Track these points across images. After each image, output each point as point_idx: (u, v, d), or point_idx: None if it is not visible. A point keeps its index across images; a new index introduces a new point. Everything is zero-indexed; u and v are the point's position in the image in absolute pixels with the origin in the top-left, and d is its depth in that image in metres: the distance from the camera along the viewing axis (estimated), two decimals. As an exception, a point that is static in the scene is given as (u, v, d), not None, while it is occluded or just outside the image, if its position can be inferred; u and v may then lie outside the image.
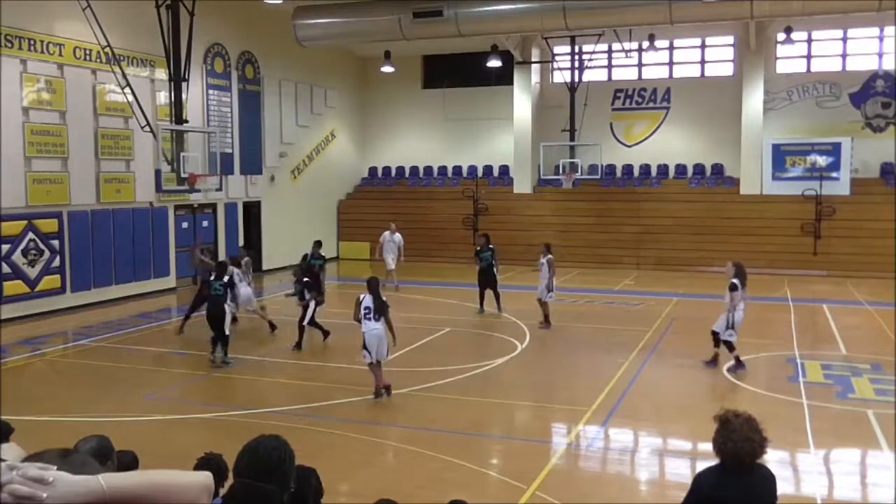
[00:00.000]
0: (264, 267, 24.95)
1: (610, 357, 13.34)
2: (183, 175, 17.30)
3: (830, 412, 10.41)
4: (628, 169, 28.33)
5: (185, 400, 11.16)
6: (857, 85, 25.67)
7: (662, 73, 28.04)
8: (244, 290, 15.11)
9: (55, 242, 17.57)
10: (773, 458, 7.89)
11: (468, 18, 19.92)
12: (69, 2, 16.30)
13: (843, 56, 26.14)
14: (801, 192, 24.44)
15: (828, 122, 25.75)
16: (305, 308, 13.99)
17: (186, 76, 17.47)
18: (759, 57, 25.75)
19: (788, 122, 26.21)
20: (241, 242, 23.32)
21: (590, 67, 27.19)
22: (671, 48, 27.77)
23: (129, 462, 4.53)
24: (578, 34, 24.38)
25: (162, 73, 18.82)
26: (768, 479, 4.06)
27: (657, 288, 20.98)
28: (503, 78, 28.00)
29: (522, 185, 28.16)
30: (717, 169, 27.37)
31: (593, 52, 26.37)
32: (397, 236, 21.60)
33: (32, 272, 17.06)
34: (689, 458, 8.95)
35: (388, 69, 27.24)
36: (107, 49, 16.78)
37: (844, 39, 26.06)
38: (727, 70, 27.26)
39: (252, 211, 24.58)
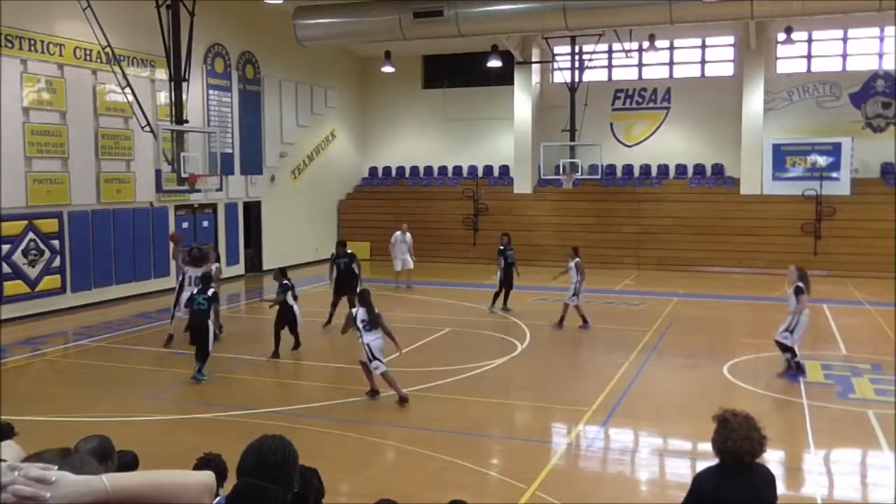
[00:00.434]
0: (265, 267, 24.93)
1: (610, 357, 13.35)
2: (183, 175, 17.29)
3: (831, 412, 10.41)
4: (628, 169, 28.33)
5: (185, 400, 11.16)
6: (858, 85, 25.67)
7: (663, 73, 28.04)
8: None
9: (55, 242, 17.57)
10: (773, 458, 7.90)
11: (468, 18, 19.91)
12: (69, 2, 16.30)
13: (844, 56, 26.14)
14: (801, 193, 24.43)
15: (828, 122, 25.75)
16: (281, 312, 13.22)
17: (187, 76, 17.47)
18: (760, 57, 25.75)
19: (789, 122, 26.21)
20: (240, 242, 23.34)
21: (590, 67, 27.19)
22: (671, 48, 27.77)
23: (129, 462, 4.54)
24: (579, 34, 24.37)
25: (162, 73, 18.82)
26: (768, 479, 4.06)
27: (657, 288, 20.99)
28: (503, 78, 28.00)
29: (523, 185, 28.17)
30: (718, 169, 27.37)
31: (593, 52, 26.36)
32: (408, 236, 21.42)
33: (33, 272, 17.06)
34: (689, 458, 8.96)
35: (388, 69, 27.24)
36: (107, 49, 16.78)
37: (845, 39, 26.06)
38: (727, 70, 27.26)
39: (252, 211, 24.58)
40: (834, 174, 24.83)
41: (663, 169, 28.02)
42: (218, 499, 4.11)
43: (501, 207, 27.60)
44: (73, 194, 17.95)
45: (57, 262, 17.62)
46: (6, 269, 16.45)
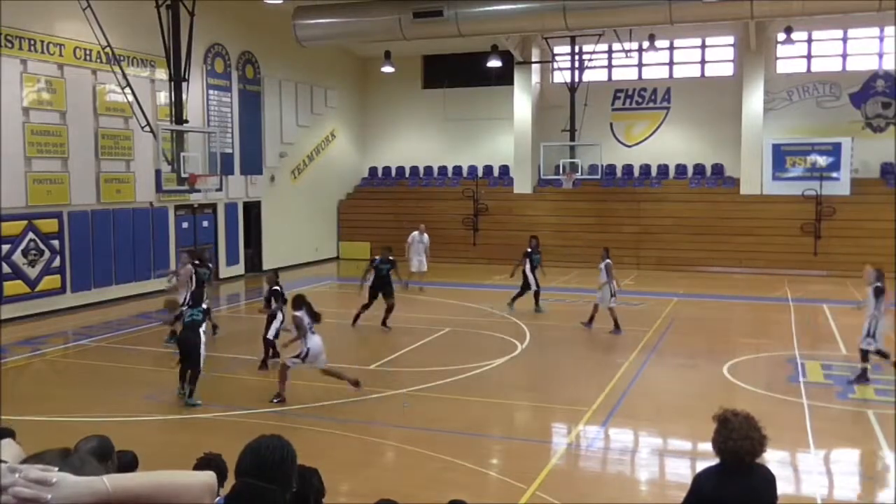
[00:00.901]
0: (265, 267, 24.92)
1: (610, 357, 13.35)
2: (183, 175, 17.29)
3: (831, 412, 10.42)
4: (628, 169, 28.33)
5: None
6: (858, 85, 25.67)
7: (662, 73, 28.04)
8: None
9: (55, 242, 17.57)
10: (773, 458, 7.89)
11: (468, 18, 19.91)
12: (69, 2, 16.29)
13: (844, 56, 26.14)
14: (801, 192, 24.43)
15: (828, 122, 25.74)
16: (271, 319, 12.63)
17: (186, 76, 17.46)
18: (760, 57, 25.75)
19: (788, 122, 26.21)
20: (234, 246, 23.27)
21: (590, 67, 27.18)
22: (671, 48, 27.77)
23: (128, 462, 4.53)
24: (579, 34, 24.37)
25: (162, 73, 18.82)
26: (768, 480, 4.05)
27: (657, 288, 20.98)
28: (503, 78, 28.00)
29: (522, 185, 28.16)
30: (718, 169, 27.37)
31: (593, 52, 26.36)
32: (426, 237, 21.15)
33: (33, 272, 17.06)
34: (689, 458, 8.96)
35: (388, 69, 27.23)
36: (107, 49, 16.78)
37: (845, 39, 26.06)
38: (727, 70, 27.26)
39: (252, 211, 24.58)
40: (834, 174, 24.83)
41: (663, 169, 28.02)
42: (217, 499, 4.12)
43: (501, 207, 27.60)
44: (73, 194, 17.95)
45: (57, 262, 17.62)
46: (6, 269, 16.45)
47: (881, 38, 25.55)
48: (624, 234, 25.84)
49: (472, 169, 29.72)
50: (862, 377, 11.45)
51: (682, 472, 8.23)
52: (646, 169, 28.20)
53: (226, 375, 12.27)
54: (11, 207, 16.53)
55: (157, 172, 19.57)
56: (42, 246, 17.24)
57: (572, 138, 25.95)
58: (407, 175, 30.70)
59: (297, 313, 10.62)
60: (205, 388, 11.30)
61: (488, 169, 29.68)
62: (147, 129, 17.41)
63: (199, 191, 18.91)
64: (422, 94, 30.52)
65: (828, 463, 8.84)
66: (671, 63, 27.99)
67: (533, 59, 27.92)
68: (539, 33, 25.44)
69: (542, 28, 22.05)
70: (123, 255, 19.32)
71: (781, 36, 24.11)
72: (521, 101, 28.02)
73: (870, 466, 8.84)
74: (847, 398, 10.98)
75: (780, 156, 25.65)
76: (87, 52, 18.06)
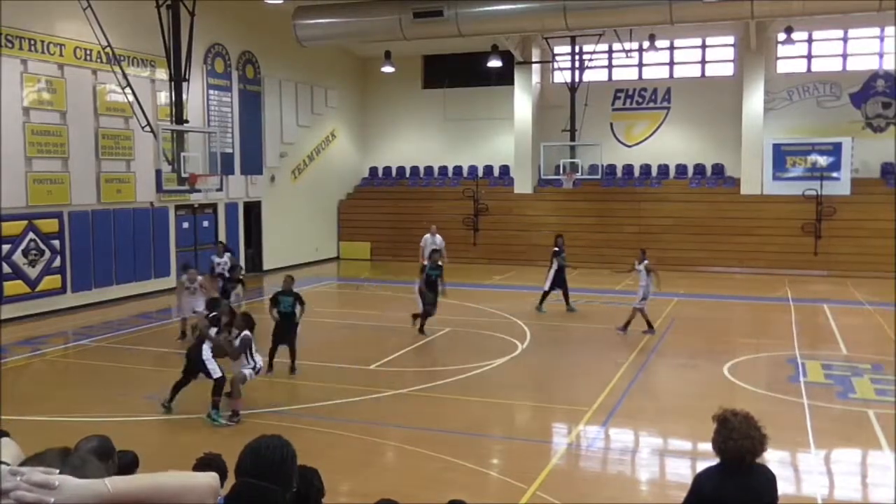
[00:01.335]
0: (265, 267, 24.96)
1: (610, 357, 13.34)
2: (183, 175, 17.29)
3: (831, 412, 10.41)
4: (629, 169, 28.33)
5: (186, 400, 11.14)
6: (858, 85, 25.66)
7: (663, 73, 28.04)
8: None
9: (56, 242, 17.57)
10: (773, 459, 7.89)
11: (468, 18, 19.91)
12: (70, 2, 16.29)
13: (844, 56, 26.14)
14: (801, 192, 24.43)
15: (828, 121, 25.74)
16: (283, 326, 12.37)
17: (187, 76, 17.46)
18: (760, 57, 25.75)
19: (789, 122, 26.20)
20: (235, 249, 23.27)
21: (590, 67, 27.18)
22: (671, 48, 27.77)
23: (129, 462, 4.53)
24: (579, 34, 24.36)
25: (162, 73, 18.82)
26: (769, 479, 4.05)
27: (659, 288, 20.94)
28: (503, 78, 28.00)
29: (523, 185, 28.16)
30: (718, 169, 27.37)
31: (594, 52, 26.36)
32: (438, 238, 20.69)
33: (33, 272, 17.06)
34: (689, 458, 8.95)
35: (388, 69, 27.23)
36: (107, 49, 16.78)
37: (845, 39, 26.06)
38: (728, 70, 27.26)
39: (252, 211, 24.58)
40: (834, 174, 24.82)
41: (663, 169, 28.02)
42: (218, 498, 4.11)
43: (501, 207, 27.60)
44: (74, 194, 17.95)
45: (57, 262, 17.62)
46: (6, 269, 16.45)
47: (881, 38, 25.54)
48: (624, 234, 25.81)
49: (473, 169, 29.71)
50: None
51: (682, 473, 8.22)
52: (646, 169, 28.20)
53: (227, 376, 12.24)
54: (12, 207, 16.53)
55: (158, 172, 19.57)
56: (42, 246, 17.24)
57: (573, 138, 25.95)
58: (407, 175, 30.70)
59: (245, 333, 10.09)
60: (205, 389, 11.29)
61: (488, 169, 29.68)
62: (147, 129, 17.41)
63: (199, 191, 18.91)
64: (422, 94, 30.52)
65: (828, 463, 8.84)
66: (671, 63, 27.98)
67: (533, 59, 27.92)
68: (539, 33, 25.43)
69: (543, 28, 22.04)
70: (124, 256, 19.32)
71: (782, 36, 24.09)
72: (522, 101, 28.02)
73: (870, 466, 8.84)
74: (847, 398, 10.97)
75: (781, 156, 25.64)
76: (88, 52, 18.06)
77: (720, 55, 27.51)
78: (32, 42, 16.90)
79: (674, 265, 24.57)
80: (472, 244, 27.43)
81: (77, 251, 18.08)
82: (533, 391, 11.84)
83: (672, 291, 20.36)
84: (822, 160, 25.08)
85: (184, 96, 17.45)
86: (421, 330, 14.93)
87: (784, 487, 5.93)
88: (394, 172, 30.95)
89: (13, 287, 16.61)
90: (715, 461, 4.07)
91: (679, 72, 27.89)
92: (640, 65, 28.21)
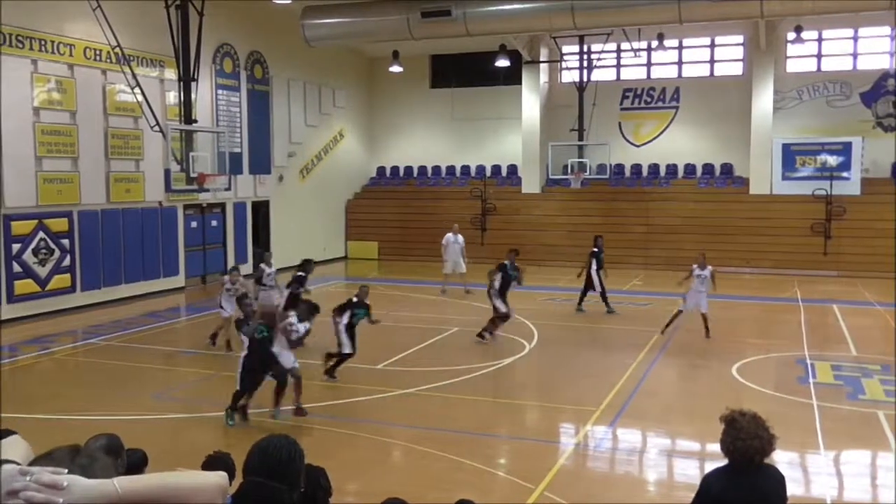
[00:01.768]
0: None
1: (618, 357, 13.31)
2: (192, 175, 17.34)
3: (840, 413, 10.36)
4: (637, 168, 28.27)
5: (194, 399, 11.19)
6: (868, 84, 25.53)
7: (671, 72, 27.97)
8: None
9: (65, 242, 17.65)
10: (782, 459, 7.86)
11: (476, 18, 19.89)
12: (79, 2, 16.35)
13: (854, 55, 26.01)
14: (811, 192, 24.32)
15: (838, 121, 25.62)
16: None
17: (196, 76, 17.52)
18: (769, 56, 25.64)
19: (798, 122, 26.09)
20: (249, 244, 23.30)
21: (598, 67, 27.13)
22: (680, 47, 27.68)
23: (138, 460, 4.55)
24: (587, 33, 24.31)
25: (171, 73, 18.88)
26: (777, 480, 4.03)
27: (666, 288, 20.85)
28: (511, 77, 27.98)
29: (531, 184, 28.14)
30: (727, 169, 27.28)
31: (602, 52, 26.30)
32: (460, 238, 20.72)
33: (43, 271, 17.14)
34: (697, 458, 8.93)
35: (396, 69, 27.26)
36: (116, 49, 16.84)
37: (855, 38, 25.92)
38: (737, 69, 27.16)
39: (261, 210, 24.64)
40: (844, 174, 24.70)
41: (672, 169, 27.94)
42: (226, 498, 4.12)
43: (509, 207, 27.58)
44: (83, 194, 18.03)
45: (67, 262, 17.70)
46: (17, 268, 16.54)
47: (892, 37, 25.40)
48: (632, 234, 25.77)
49: (480, 168, 29.70)
50: None
51: (690, 473, 8.20)
52: (654, 168, 28.13)
53: (234, 375, 12.28)
54: (22, 207, 16.62)
55: (167, 172, 19.66)
56: (52, 245, 17.32)
57: (581, 138, 25.90)
58: (415, 175, 30.71)
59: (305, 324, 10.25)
60: (214, 388, 11.34)
61: (496, 168, 29.66)
62: (156, 128, 17.47)
63: (207, 190, 18.98)
64: (430, 94, 30.52)
65: (837, 464, 8.80)
66: (680, 62, 27.90)
67: (541, 59, 27.88)
68: (547, 33, 25.39)
69: (551, 27, 21.99)
70: (132, 255, 19.40)
71: (791, 35, 24.00)
72: (530, 101, 27.99)
73: (879, 467, 8.79)
74: (857, 399, 10.92)
75: (790, 155, 25.53)
76: (97, 52, 18.14)
77: (729, 54, 27.41)
78: (42, 42, 16.98)
79: (682, 265, 24.40)
80: (479, 244, 27.37)
81: (86, 250, 18.16)
82: (540, 391, 11.83)
83: (681, 292, 20.29)
84: (832, 160, 24.96)
85: (192, 96, 17.51)
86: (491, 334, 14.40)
87: (793, 488, 5.91)
88: (401, 172, 30.96)
89: (23, 286, 16.69)
90: (723, 462, 4.06)
91: (688, 71, 27.80)
92: (649, 64, 28.14)
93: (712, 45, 27.47)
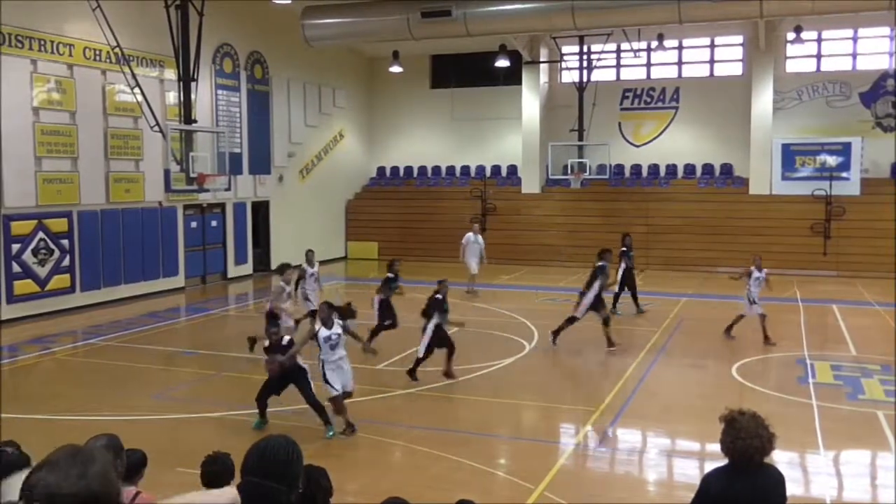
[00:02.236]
0: (272, 266, 24.98)
1: (618, 357, 13.31)
2: (192, 175, 17.36)
3: (840, 413, 10.36)
4: (637, 169, 28.27)
5: (194, 399, 11.19)
6: (868, 84, 25.53)
7: (671, 72, 27.97)
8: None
9: (65, 242, 17.65)
10: (782, 459, 7.86)
11: (476, 18, 19.90)
12: (79, 2, 16.36)
13: (854, 55, 26.02)
14: (810, 192, 24.33)
15: (838, 121, 25.62)
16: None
17: (195, 76, 17.53)
18: (769, 56, 25.64)
19: (798, 122, 26.10)
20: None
21: (598, 67, 27.14)
22: (680, 48, 27.69)
23: (137, 461, 4.55)
24: (587, 34, 24.32)
25: (171, 74, 18.88)
26: (777, 480, 4.03)
27: (666, 288, 20.91)
28: (511, 78, 27.98)
29: (530, 184, 28.14)
30: (727, 169, 27.28)
31: (602, 52, 26.31)
32: (480, 238, 20.62)
33: (42, 271, 17.14)
34: (697, 458, 8.93)
35: (396, 69, 27.26)
36: (116, 49, 16.85)
37: (855, 39, 25.93)
38: (736, 69, 27.16)
39: (261, 210, 24.64)
40: (844, 174, 24.71)
41: (672, 169, 27.95)
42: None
43: (509, 207, 27.58)
44: (83, 194, 18.03)
45: (66, 262, 17.70)
46: (16, 268, 16.54)
47: (892, 38, 25.41)
48: (632, 234, 25.73)
49: (480, 169, 29.71)
50: None
51: (690, 473, 8.20)
52: (654, 169, 28.13)
53: (235, 375, 12.30)
54: (22, 207, 16.62)
55: (166, 172, 19.67)
56: (52, 245, 17.32)
57: (580, 138, 25.92)
58: (415, 175, 30.72)
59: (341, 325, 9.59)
60: (214, 388, 11.34)
61: (496, 169, 29.66)
62: (156, 129, 17.48)
63: (207, 190, 18.98)
64: (430, 94, 30.52)
65: (837, 464, 8.80)
66: (680, 62, 27.91)
67: (541, 59, 27.89)
68: (547, 33, 25.41)
69: (551, 27, 22.02)
70: (132, 255, 19.40)
71: (791, 35, 24.00)
72: (530, 101, 28.00)
73: (879, 468, 8.79)
74: (857, 399, 10.92)
75: (790, 155, 25.54)
76: (97, 52, 18.14)
77: (729, 55, 27.41)
78: (42, 42, 16.98)
79: (682, 265, 24.53)
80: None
81: (86, 250, 18.16)
82: (540, 391, 11.82)
83: (681, 292, 20.32)
84: (832, 160, 24.97)
85: (192, 96, 17.51)
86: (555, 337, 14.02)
87: (793, 488, 5.91)
88: (401, 172, 30.96)
89: (23, 286, 16.69)
90: (723, 462, 4.06)
91: (687, 71, 27.81)
92: (649, 64, 28.15)
93: (712, 46, 27.48)
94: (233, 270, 23.20)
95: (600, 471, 8.68)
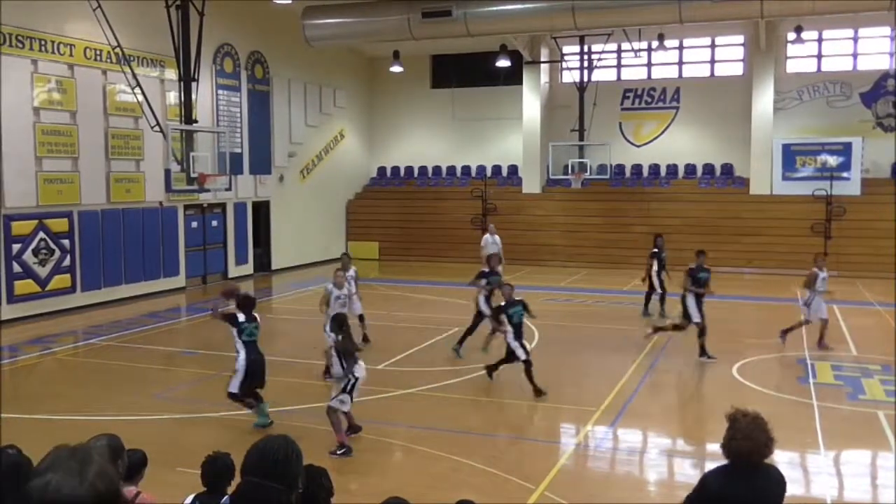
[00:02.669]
0: (273, 266, 25.03)
1: (619, 357, 13.31)
2: (192, 175, 17.35)
3: (840, 413, 10.36)
4: (637, 169, 28.27)
5: (194, 399, 11.19)
6: (868, 84, 25.53)
7: (672, 72, 27.98)
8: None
9: (66, 242, 17.66)
10: (782, 460, 7.87)
11: (477, 18, 19.90)
12: (79, 2, 16.37)
13: (854, 55, 26.01)
14: (811, 192, 24.33)
15: (838, 121, 25.62)
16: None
17: (196, 76, 17.53)
18: (770, 56, 25.64)
19: (799, 122, 26.10)
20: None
21: (599, 67, 27.14)
22: (681, 48, 27.69)
23: (138, 461, 4.56)
24: (588, 34, 24.32)
25: (172, 74, 18.89)
26: (777, 481, 4.04)
27: (667, 288, 20.86)
28: (512, 78, 27.99)
29: (531, 184, 28.15)
30: (727, 169, 27.28)
31: (602, 52, 26.31)
32: (498, 238, 20.51)
33: (43, 271, 17.15)
34: (697, 458, 8.92)
35: (396, 69, 27.26)
36: (117, 49, 16.85)
37: (855, 39, 25.93)
38: (737, 70, 27.16)
39: (261, 210, 24.65)
40: (844, 174, 24.71)
41: (672, 169, 27.95)
42: (224, 498, 4.13)
43: (510, 207, 27.58)
44: (84, 194, 18.04)
45: (67, 262, 17.71)
46: (17, 268, 16.55)
47: (892, 38, 25.41)
48: (633, 235, 25.75)
49: (481, 169, 29.71)
50: None
51: (690, 473, 8.20)
52: (655, 169, 28.13)
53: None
54: (22, 207, 16.63)
55: (167, 172, 19.67)
56: (52, 245, 17.33)
57: (581, 138, 25.91)
58: (415, 175, 30.72)
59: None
60: (214, 388, 11.33)
61: (497, 169, 29.66)
62: (157, 128, 17.48)
63: (208, 190, 18.98)
64: (430, 94, 30.53)
65: (837, 464, 8.80)
66: (680, 63, 27.91)
67: (542, 59, 27.89)
68: (548, 33, 25.41)
69: (551, 27, 22.02)
70: (133, 255, 19.41)
71: (791, 35, 24.01)
72: (530, 101, 28.00)
73: (880, 468, 8.79)
74: (857, 399, 10.92)
75: (790, 156, 25.54)
76: (98, 52, 18.14)
77: (729, 55, 27.42)
78: (43, 42, 16.99)
79: (683, 265, 24.42)
80: (480, 244, 27.38)
81: (86, 250, 18.17)
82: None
83: (681, 292, 20.25)
84: (832, 160, 24.97)
85: (193, 96, 17.51)
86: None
87: (793, 488, 5.91)
88: (402, 172, 30.97)
89: (23, 286, 16.70)
90: (723, 462, 4.06)
91: (688, 71, 27.81)
92: (649, 64, 28.15)
93: (712, 46, 27.48)
94: (233, 270, 23.20)
95: (600, 471, 8.68)
